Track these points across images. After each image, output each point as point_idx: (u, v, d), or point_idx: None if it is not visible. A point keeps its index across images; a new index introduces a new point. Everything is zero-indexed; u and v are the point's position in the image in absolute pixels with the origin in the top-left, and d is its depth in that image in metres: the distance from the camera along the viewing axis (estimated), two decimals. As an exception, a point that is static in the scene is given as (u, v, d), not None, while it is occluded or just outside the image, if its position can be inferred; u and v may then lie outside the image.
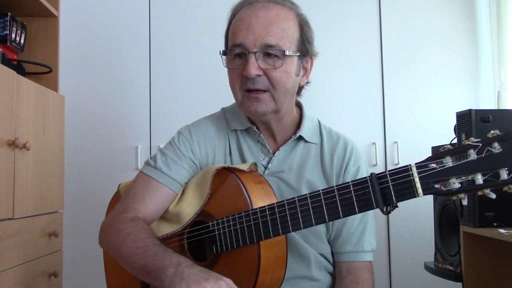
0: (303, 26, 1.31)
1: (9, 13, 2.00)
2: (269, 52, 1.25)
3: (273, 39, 1.24)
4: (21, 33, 2.09)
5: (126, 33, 2.78)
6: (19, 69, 2.06)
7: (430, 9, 2.81)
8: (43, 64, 2.21)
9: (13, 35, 2.02)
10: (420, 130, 2.73)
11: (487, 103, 2.72)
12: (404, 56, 2.78)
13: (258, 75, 1.24)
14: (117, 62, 2.77)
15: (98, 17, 2.79)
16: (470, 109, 1.83)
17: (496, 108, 2.59)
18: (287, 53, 1.25)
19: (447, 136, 1.99)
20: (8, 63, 1.93)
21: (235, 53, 1.27)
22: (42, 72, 2.23)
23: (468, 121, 1.83)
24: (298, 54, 1.29)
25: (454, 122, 1.93)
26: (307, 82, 1.38)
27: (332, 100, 2.76)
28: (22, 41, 2.10)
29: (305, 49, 1.31)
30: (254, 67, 1.23)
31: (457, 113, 1.92)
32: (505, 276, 1.96)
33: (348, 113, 2.75)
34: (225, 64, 1.31)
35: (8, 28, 1.99)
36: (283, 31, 1.26)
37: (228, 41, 1.32)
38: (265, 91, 1.26)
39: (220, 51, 1.32)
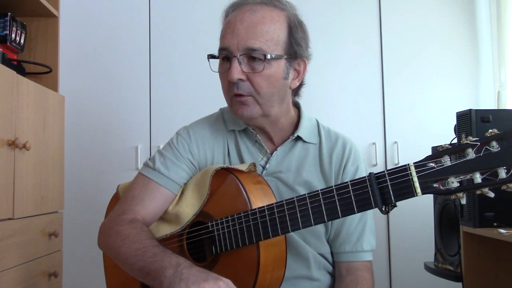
0: (292, 28, 1.28)
1: (9, 13, 2.00)
2: (253, 56, 1.24)
3: (256, 43, 1.23)
4: (21, 33, 2.09)
5: (126, 33, 2.78)
6: (19, 69, 2.06)
7: (430, 9, 2.81)
8: (43, 64, 2.21)
9: (13, 35, 2.02)
10: (420, 130, 2.73)
11: (487, 103, 2.72)
12: (404, 56, 2.78)
13: (241, 79, 1.24)
14: (117, 62, 2.77)
15: (98, 17, 2.79)
16: (470, 109, 1.83)
17: (496, 108, 2.59)
18: (268, 56, 1.23)
19: (447, 136, 1.98)
20: (8, 63, 1.93)
21: (221, 57, 1.28)
22: (42, 72, 2.23)
23: (468, 121, 1.83)
24: (285, 57, 1.27)
25: (454, 122, 1.93)
26: (302, 84, 1.37)
27: (332, 100, 2.76)
28: (22, 41, 2.10)
29: (293, 52, 1.29)
30: (237, 71, 1.23)
31: (457, 113, 1.92)
32: (505, 276, 1.96)
33: (348, 113, 2.75)
34: (212, 68, 1.31)
35: (8, 28, 1.99)
36: (267, 33, 1.24)
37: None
38: (248, 95, 1.26)
39: (207, 55, 1.31)
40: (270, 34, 1.24)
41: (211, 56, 1.31)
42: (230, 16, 1.28)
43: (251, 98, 1.26)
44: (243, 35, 1.23)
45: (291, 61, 1.29)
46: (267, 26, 1.24)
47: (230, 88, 1.27)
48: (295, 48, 1.29)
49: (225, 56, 1.27)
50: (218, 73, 1.33)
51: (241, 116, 1.29)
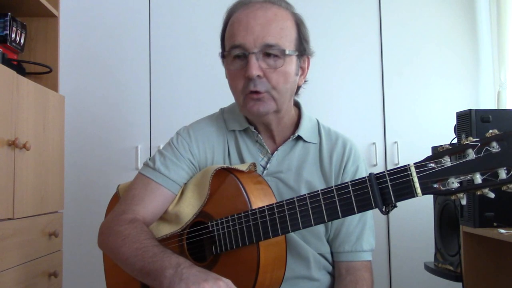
0: (300, 26, 1.31)
1: (9, 13, 2.00)
2: (269, 52, 1.24)
3: (272, 39, 1.23)
4: (21, 33, 2.09)
5: (126, 33, 2.78)
6: (19, 69, 2.06)
7: (430, 9, 2.81)
8: (43, 64, 2.21)
9: (13, 35, 2.02)
10: (420, 130, 2.73)
11: (487, 103, 2.72)
12: (404, 56, 2.78)
13: (259, 76, 1.24)
14: (117, 62, 2.77)
15: (98, 17, 2.79)
16: (470, 109, 1.83)
17: (496, 108, 2.59)
18: (287, 52, 1.25)
19: (447, 136, 1.99)
20: (8, 63, 1.93)
21: (234, 54, 1.26)
22: (42, 72, 2.23)
23: (468, 121, 1.83)
24: (296, 53, 1.29)
25: (454, 122, 1.93)
26: (305, 81, 1.38)
27: (332, 100, 2.76)
28: (22, 41, 2.10)
29: (302, 49, 1.31)
30: (255, 67, 1.23)
31: (457, 113, 1.92)
32: (505, 276, 1.96)
33: (348, 113, 2.75)
34: (228, 66, 1.29)
35: (8, 28, 1.99)
36: (282, 30, 1.25)
37: (226, 43, 1.31)
38: (265, 92, 1.26)
39: (219, 53, 1.31)
40: (284, 31, 1.26)
41: (223, 55, 1.31)
42: (239, 14, 1.28)
43: (267, 94, 1.26)
44: (259, 32, 1.23)
45: (300, 58, 1.31)
46: (280, 23, 1.26)
47: (245, 85, 1.26)
48: (304, 45, 1.31)
49: (237, 54, 1.26)
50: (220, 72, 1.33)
51: (256, 112, 1.28)
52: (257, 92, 1.25)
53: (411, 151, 2.70)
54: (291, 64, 1.27)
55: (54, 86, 2.25)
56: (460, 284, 1.98)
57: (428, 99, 2.76)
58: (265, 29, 1.23)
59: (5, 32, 1.99)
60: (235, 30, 1.26)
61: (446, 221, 2.16)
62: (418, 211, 2.58)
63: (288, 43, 1.26)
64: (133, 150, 2.72)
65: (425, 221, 2.46)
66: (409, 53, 2.78)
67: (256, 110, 1.27)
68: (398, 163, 2.70)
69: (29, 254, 1.86)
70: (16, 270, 1.76)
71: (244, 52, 1.24)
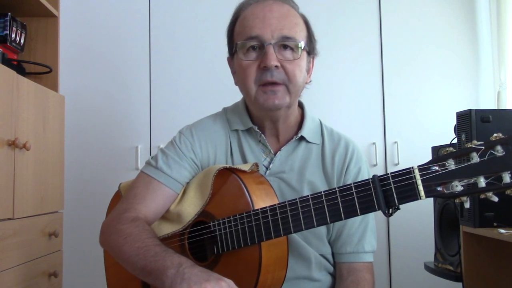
0: (309, 26, 1.34)
1: (9, 13, 2.00)
2: (286, 44, 1.26)
3: (289, 32, 1.26)
4: (21, 33, 2.09)
5: (126, 33, 2.77)
6: (19, 69, 2.06)
7: (430, 9, 2.81)
8: (43, 64, 2.20)
9: (13, 35, 2.02)
10: (420, 130, 2.73)
11: (487, 103, 2.73)
12: (404, 56, 2.78)
13: (276, 67, 1.25)
14: (117, 62, 2.77)
15: (98, 17, 2.79)
16: (470, 109, 1.83)
17: (496, 108, 2.59)
18: (302, 46, 1.27)
19: (447, 136, 1.99)
20: (8, 63, 1.93)
21: (249, 45, 1.27)
22: (42, 72, 2.22)
23: (468, 121, 1.83)
24: (307, 49, 1.31)
25: (454, 122, 1.93)
26: (310, 81, 1.39)
27: (332, 100, 2.76)
28: (22, 41, 2.10)
29: (312, 47, 1.34)
30: (274, 57, 1.24)
31: (457, 113, 1.92)
32: (505, 276, 1.96)
33: (348, 113, 2.75)
34: (242, 57, 1.28)
35: (8, 28, 1.99)
36: (296, 25, 1.28)
37: (236, 38, 1.31)
38: (281, 84, 1.26)
39: (236, 44, 1.29)
40: (298, 27, 1.29)
41: (233, 50, 1.31)
42: (253, 9, 1.29)
43: (283, 87, 1.27)
44: (277, 24, 1.25)
45: (308, 56, 1.33)
46: (295, 19, 1.29)
47: (260, 76, 1.26)
48: (313, 44, 1.34)
49: (253, 46, 1.27)
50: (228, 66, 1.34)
51: (272, 105, 1.27)
52: (274, 83, 1.25)
53: (411, 151, 2.70)
54: (303, 59, 1.30)
55: (54, 86, 2.25)
56: (460, 284, 1.98)
57: (428, 99, 2.76)
58: (282, 22, 1.26)
59: (5, 32, 1.98)
60: (250, 22, 1.27)
61: (446, 221, 2.16)
62: (418, 211, 2.57)
63: (301, 38, 1.29)
64: (133, 150, 2.72)
65: (425, 221, 2.47)
66: (409, 53, 2.78)
67: (272, 103, 1.27)
68: (398, 163, 2.70)
69: (29, 254, 1.86)
70: (16, 270, 1.76)
71: (261, 43, 1.25)
